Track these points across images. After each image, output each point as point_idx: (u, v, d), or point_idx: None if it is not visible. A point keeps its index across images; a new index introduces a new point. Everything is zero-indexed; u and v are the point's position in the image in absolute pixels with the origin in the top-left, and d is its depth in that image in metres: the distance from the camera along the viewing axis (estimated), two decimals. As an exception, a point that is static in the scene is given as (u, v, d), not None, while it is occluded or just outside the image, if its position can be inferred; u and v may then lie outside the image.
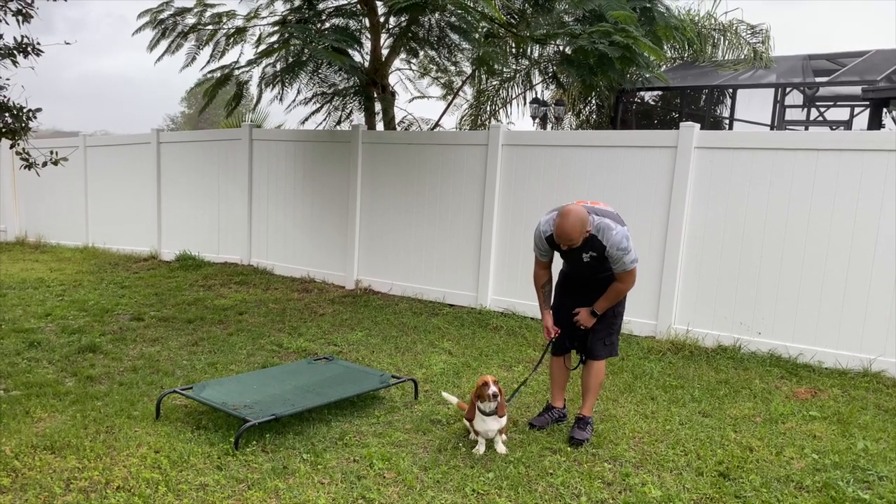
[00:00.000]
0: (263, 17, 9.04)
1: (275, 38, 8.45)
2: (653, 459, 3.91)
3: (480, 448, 3.93)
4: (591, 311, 4.04)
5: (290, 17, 8.66)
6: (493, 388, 3.81)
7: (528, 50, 9.72)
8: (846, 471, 3.80)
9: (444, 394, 4.64)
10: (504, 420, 3.91)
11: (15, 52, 4.44)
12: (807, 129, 13.80)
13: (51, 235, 12.52)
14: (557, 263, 4.25)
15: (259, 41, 9.01)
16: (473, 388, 3.97)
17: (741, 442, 4.19)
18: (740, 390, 5.18)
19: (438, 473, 3.65)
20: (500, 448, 3.94)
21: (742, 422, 4.54)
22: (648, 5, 7.89)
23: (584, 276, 4.06)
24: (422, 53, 10.15)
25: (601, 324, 4.09)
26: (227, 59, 9.20)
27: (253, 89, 9.58)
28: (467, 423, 3.99)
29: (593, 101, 14.46)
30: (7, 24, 4.52)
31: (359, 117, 10.30)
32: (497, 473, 3.67)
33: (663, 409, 4.73)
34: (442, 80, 11.92)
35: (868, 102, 10.92)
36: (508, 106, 13.55)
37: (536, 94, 14.42)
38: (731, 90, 13.74)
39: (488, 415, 3.85)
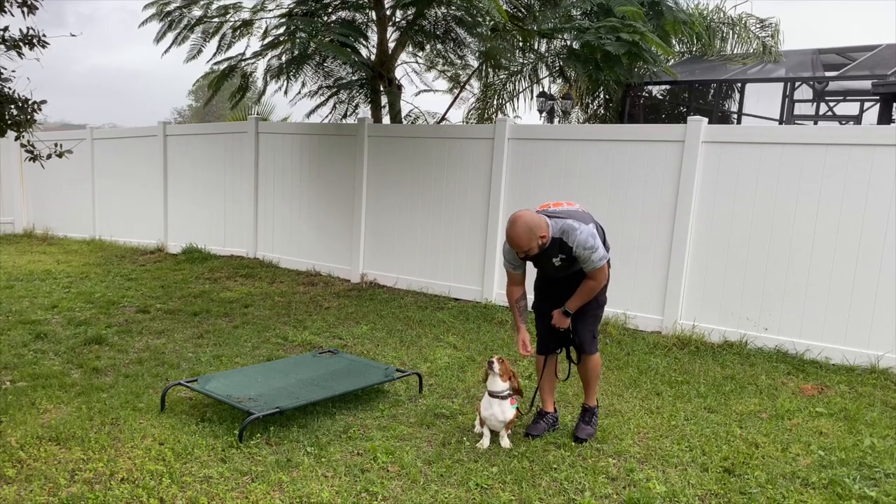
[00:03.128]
0: (270, 10, 9.03)
1: (281, 30, 8.44)
2: (658, 455, 3.90)
3: (485, 442, 3.92)
4: (564, 311, 3.94)
5: (296, 10, 8.64)
6: (495, 363, 3.88)
7: (535, 44, 9.68)
8: (852, 468, 3.77)
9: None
10: (511, 413, 3.90)
11: (20, 43, 4.43)
12: (816, 123, 13.69)
13: (58, 228, 12.56)
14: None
15: (265, 34, 9.00)
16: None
17: (747, 438, 4.17)
18: (746, 386, 5.16)
19: (442, 467, 3.65)
20: (505, 442, 3.93)
21: (748, 418, 4.52)
22: (657, -1, 7.85)
23: (559, 278, 3.98)
24: (428, 47, 10.13)
25: (588, 316, 4.00)
26: (234, 51, 9.22)
27: (258, 82, 9.59)
28: (486, 414, 3.96)
29: (601, 96, 14.38)
30: (13, 15, 4.51)
31: (365, 110, 10.29)
32: (501, 468, 3.66)
33: (668, 405, 4.71)
34: (448, 74, 11.89)
35: (878, 97, 10.82)
36: (515, 100, 13.49)
37: (543, 88, 14.37)
38: (739, 84, 13.65)
39: (494, 395, 3.86)
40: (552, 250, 3.77)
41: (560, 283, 4.00)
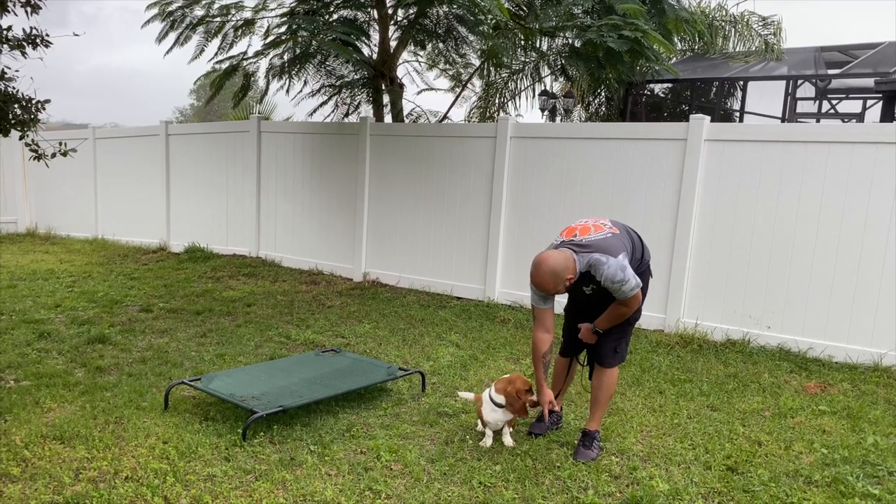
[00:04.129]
0: (272, 9, 9.03)
1: (283, 29, 8.45)
2: (660, 453, 3.90)
3: (488, 440, 3.92)
4: (594, 330, 3.84)
5: (297, 9, 8.64)
6: (534, 398, 3.79)
7: (537, 42, 9.68)
8: (856, 466, 3.77)
9: (461, 393, 4.53)
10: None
11: (24, 43, 4.44)
12: (818, 121, 13.68)
13: (61, 227, 12.58)
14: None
15: (267, 33, 9.01)
16: (507, 381, 3.86)
17: (750, 436, 4.17)
18: (749, 384, 5.15)
19: (445, 465, 3.65)
20: (508, 440, 3.94)
21: (751, 416, 4.52)
22: (658, -4, 7.83)
23: (591, 302, 3.84)
24: (430, 46, 10.13)
25: (615, 331, 3.84)
26: (236, 50, 9.21)
27: (260, 81, 9.60)
28: (492, 419, 3.91)
29: (602, 94, 14.38)
30: (16, 14, 4.52)
31: (367, 109, 10.30)
32: (504, 466, 3.67)
33: (671, 403, 4.71)
34: (450, 73, 11.89)
35: (881, 95, 10.81)
36: (517, 98, 13.50)
37: (545, 86, 14.38)
38: (741, 82, 13.65)
39: (500, 406, 3.85)
40: (582, 282, 3.62)
41: (591, 305, 3.84)
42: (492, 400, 3.87)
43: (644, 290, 3.79)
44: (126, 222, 11.46)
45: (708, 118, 6.36)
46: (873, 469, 3.74)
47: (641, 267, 3.79)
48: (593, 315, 3.84)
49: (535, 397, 3.81)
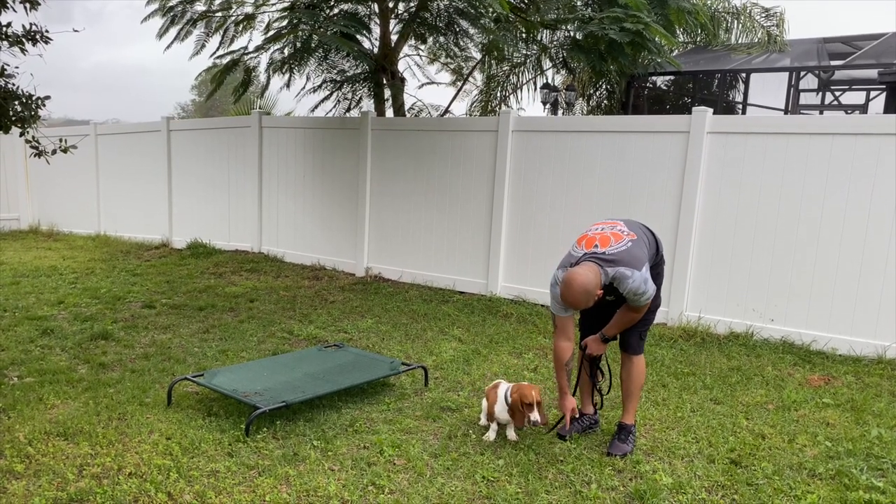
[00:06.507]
0: (272, 4, 9.01)
1: (283, 23, 8.43)
2: (664, 447, 3.89)
3: (491, 435, 3.92)
4: (602, 338, 3.86)
5: (298, 3, 8.62)
6: (536, 417, 3.72)
7: (539, 35, 9.64)
8: (860, 458, 3.76)
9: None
10: None
11: (23, 39, 4.43)
12: (821, 113, 13.62)
13: (63, 223, 12.60)
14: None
15: (268, 27, 8.99)
16: (521, 387, 3.81)
17: (753, 429, 4.16)
18: (752, 377, 5.15)
19: (448, 460, 3.65)
20: (511, 435, 3.93)
21: (754, 409, 4.51)
22: (661, -11, 7.79)
23: (610, 308, 3.85)
24: (430, 39, 10.10)
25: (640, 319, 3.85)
26: (236, 45, 9.26)
27: (261, 76, 9.58)
28: (503, 417, 3.89)
29: (604, 87, 14.33)
30: (15, 11, 4.51)
31: (368, 104, 10.28)
32: (507, 460, 3.67)
33: (675, 397, 4.71)
34: (451, 66, 11.86)
35: (884, 86, 10.74)
36: (519, 92, 13.45)
37: (547, 79, 14.32)
38: (744, 74, 13.56)
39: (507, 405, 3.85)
40: (605, 293, 3.63)
41: (608, 311, 3.86)
42: (505, 398, 3.86)
43: (661, 278, 3.86)
44: (128, 218, 11.48)
45: (710, 110, 6.33)
46: (877, 461, 3.73)
47: (657, 259, 3.83)
48: (602, 321, 3.87)
49: (535, 416, 3.73)
